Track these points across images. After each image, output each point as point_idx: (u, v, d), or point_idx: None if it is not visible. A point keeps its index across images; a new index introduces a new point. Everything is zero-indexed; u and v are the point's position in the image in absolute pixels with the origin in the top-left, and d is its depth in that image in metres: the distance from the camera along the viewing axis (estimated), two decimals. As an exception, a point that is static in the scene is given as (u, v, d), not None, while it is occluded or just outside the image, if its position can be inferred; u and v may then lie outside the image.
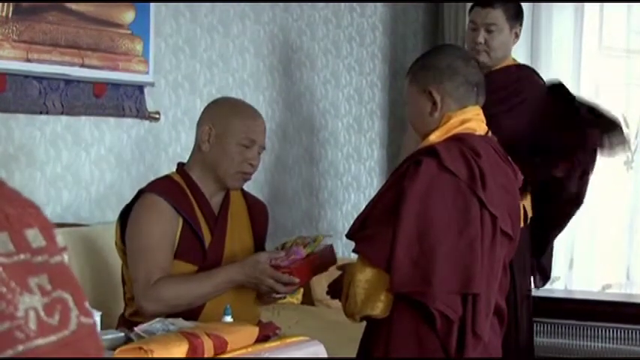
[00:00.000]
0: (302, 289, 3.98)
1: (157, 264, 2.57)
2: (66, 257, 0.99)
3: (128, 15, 3.65)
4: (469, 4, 3.67)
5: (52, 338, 0.92)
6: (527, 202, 3.44)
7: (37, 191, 3.36)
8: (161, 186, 2.69)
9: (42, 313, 0.92)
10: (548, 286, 3.81)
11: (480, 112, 2.53)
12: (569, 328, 4.26)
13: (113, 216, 3.05)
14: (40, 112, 3.37)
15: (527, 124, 3.45)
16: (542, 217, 3.52)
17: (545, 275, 3.69)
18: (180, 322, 2.39)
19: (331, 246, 2.73)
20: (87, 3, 3.47)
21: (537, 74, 3.70)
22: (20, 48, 3.25)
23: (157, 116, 3.84)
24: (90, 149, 3.59)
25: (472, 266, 2.34)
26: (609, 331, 4.20)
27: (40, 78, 3.34)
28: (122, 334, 2.36)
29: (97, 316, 2.29)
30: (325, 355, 2.47)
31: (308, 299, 4.19)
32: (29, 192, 3.14)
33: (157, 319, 2.39)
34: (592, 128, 3.46)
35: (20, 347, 0.88)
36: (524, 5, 3.78)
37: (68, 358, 0.93)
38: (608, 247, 5.18)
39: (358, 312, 2.41)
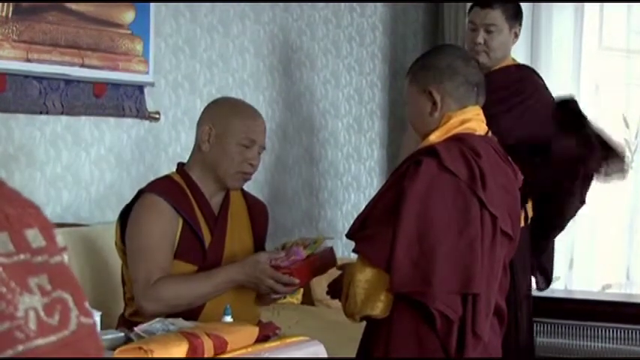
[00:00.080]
0: (302, 290, 3.99)
1: (157, 264, 2.57)
2: (66, 257, 0.99)
3: (128, 15, 3.65)
4: (469, 4, 3.67)
5: (52, 338, 0.92)
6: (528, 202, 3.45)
7: (37, 191, 3.36)
8: (161, 186, 2.69)
9: (42, 313, 0.92)
10: (550, 286, 3.81)
11: (480, 112, 2.53)
12: (569, 328, 4.26)
13: (113, 216, 3.05)
14: (40, 112, 3.37)
15: (527, 123, 3.45)
16: (542, 216, 3.52)
17: (547, 277, 3.69)
18: (180, 322, 2.39)
19: (331, 248, 2.73)
20: (87, 3, 3.47)
21: (537, 74, 3.70)
22: (20, 48, 3.25)
23: (157, 116, 3.84)
24: (90, 149, 3.59)
25: (472, 266, 2.34)
26: (609, 331, 4.20)
27: (40, 78, 3.34)
28: (122, 334, 2.36)
29: (97, 316, 2.29)
30: (325, 355, 2.47)
31: (308, 299, 4.19)
32: (29, 192, 3.14)
33: (157, 319, 2.39)
34: (594, 152, 3.47)
35: (20, 347, 0.88)
36: (524, 5, 3.78)
37: (68, 358, 0.93)
38: (608, 247, 5.19)
39: (358, 312, 2.41)
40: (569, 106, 3.56)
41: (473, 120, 2.50)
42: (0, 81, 3.20)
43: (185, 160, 2.80)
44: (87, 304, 0.98)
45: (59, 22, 3.37)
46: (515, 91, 3.52)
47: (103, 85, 3.58)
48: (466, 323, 2.36)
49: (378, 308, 2.37)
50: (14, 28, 3.22)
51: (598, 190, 3.71)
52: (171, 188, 2.68)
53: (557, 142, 3.40)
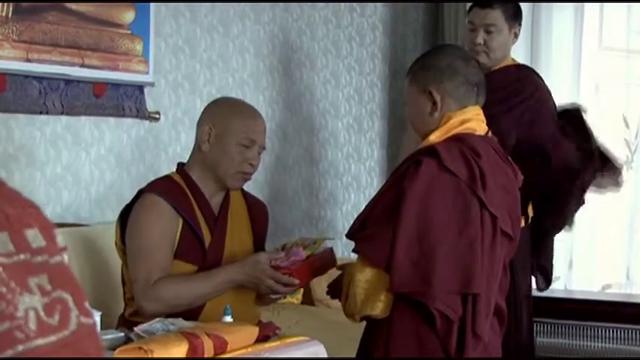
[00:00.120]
0: (302, 290, 3.98)
1: (157, 264, 2.57)
2: (66, 257, 0.99)
3: (128, 15, 3.65)
4: (469, 4, 3.67)
5: (52, 338, 0.92)
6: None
7: (37, 191, 3.36)
8: (161, 186, 2.69)
9: (42, 313, 0.92)
10: (549, 287, 3.81)
11: (480, 112, 2.53)
12: (569, 328, 4.26)
13: (113, 216, 3.05)
14: (40, 112, 3.37)
15: (528, 124, 3.45)
16: (542, 216, 3.52)
17: (546, 277, 3.69)
18: (180, 322, 2.39)
19: (331, 249, 2.73)
20: (87, 3, 3.47)
21: (537, 74, 3.69)
22: (20, 48, 3.25)
23: (157, 116, 3.84)
24: (90, 149, 3.59)
25: (472, 266, 2.34)
26: (609, 331, 4.20)
27: (40, 78, 3.34)
28: (122, 334, 2.36)
29: (97, 316, 2.29)
30: (325, 355, 2.47)
31: (308, 299, 4.19)
32: (29, 192, 3.14)
33: (157, 319, 2.39)
34: (593, 165, 3.48)
35: (20, 347, 0.88)
36: (524, 5, 3.78)
37: (68, 358, 0.93)
38: (608, 247, 5.18)
39: (358, 312, 2.41)
40: (572, 115, 3.55)
41: (473, 120, 2.49)
42: (0, 81, 3.20)
43: (185, 160, 2.80)
44: (87, 304, 0.98)
45: (59, 22, 3.37)
46: (514, 90, 3.52)
47: (103, 85, 3.58)
48: (466, 323, 2.36)
49: (378, 308, 2.37)
50: (14, 28, 3.22)
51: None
52: (171, 188, 2.68)
53: (557, 152, 3.40)
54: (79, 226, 3.32)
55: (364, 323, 2.52)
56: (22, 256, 0.93)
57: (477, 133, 2.49)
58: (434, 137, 2.46)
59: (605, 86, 5.18)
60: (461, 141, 2.43)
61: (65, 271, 0.98)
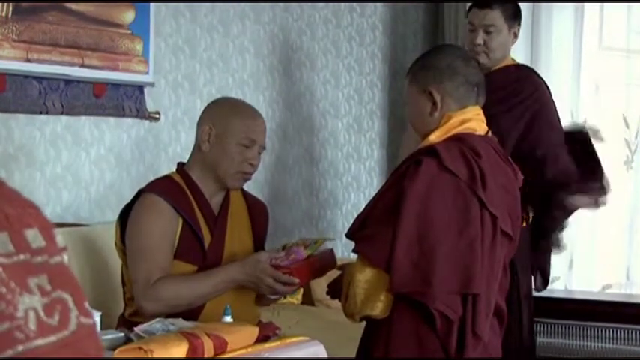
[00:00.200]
0: (302, 290, 3.99)
1: (157, 264, 2.57)
2: (66, 257, 0.99)
3: (128, 15, 3.65)
4: (469, 5, 3.67)
5: (52, 338, 0.92)
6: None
7: (37, 191, 3.36)
8: (161, 186, 2.69)
9: (42, 314, 0.92)
10: (547, 285, 3.81)
11: (480, 112, 2.53)
12: (569, 328, 4.26)
13: (113, 216, 3.05)
14: (40, 112, 3.37)
15: (527, 125, 3.45)
16: (540, 216, 3.52)
17: (544, 277, 3.69)
18: (180, 322, 2.39)
19: (332, 250, 2.73)
20: (87, 3, 3.47)
21: (536, 74, 3.70)
22: (20, 48, 3.25)
23: (157, 116, 3.84)
24: (90, 149, 3.59)
25: (472, 266, 2.34)
26: (609, 331, 4.20)
27: (40, 78, 3.34)
28: (122, 334, 2.36)
29: (97, 316, 2.29)
30: (325, 355, 2.47)
31: (308, 299, 4.19)
32: (29, 192, 3.15)
33: (157, 319, 2.39)
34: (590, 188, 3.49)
35: (20, 347, 0.88)
36: (524, 5, 3.78)
37: (68, 358, 0.93)
38: (608, 247, 5.18)
39: (358, 312, 2.41)
40: (577, 138, 3.55)
41: (473, 120, 2.49)
42: (0, 81, 3.20)
43: (185, 160, 2.80)
44: (87, 304, 0.98)
45: (59, 22, 3.37)
46: (514, 90, 3.52)
47: (103, 85, 3.58)
48: (466, 323, 2.36)
49: (378, 308, 2.37)
50: (14, 28, 3.22)
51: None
52: (171, 188, 2.68)
53: (553, 164, 3.39)
54: (79, 226, 3.32)
55: (364, 323, 2.52)
56: (22, 256, 0.93)
57: (477, 133, 2.49)
58: (434, 137, 2.46)
59: (605, 86, 5.18)
60: (461, 141, 2.43)
61: (65, 271, 0.98)
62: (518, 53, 4.49)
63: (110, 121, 3.66)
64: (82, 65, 3.47)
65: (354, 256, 2.48)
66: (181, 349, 2.12)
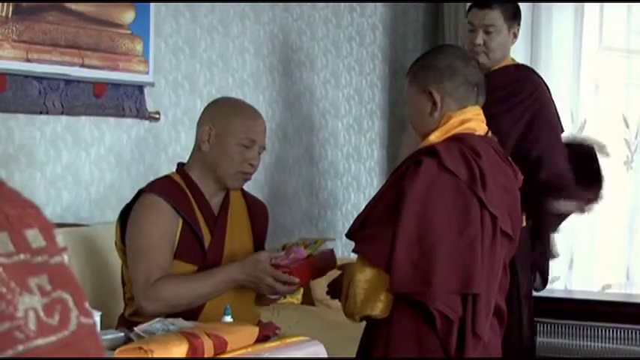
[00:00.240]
0: (302, 290, 3.98)
1: (157, 264, 2.57)
2: (66, 257, 0.99)
3: (128, 15, 3.65)
4: (469, 4, 3.67)
5: (52, 338, 0.92)
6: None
7: (37, 191, 3.36)
8: (161, 186, 2.69)
9: (42, 314, 0.92)
10: (548, 286, 3.81)
11: (480, 112, 2.53)
12: (569, 328, 4.26)
13: (113, 216, 3.05)
14: (40, 112, 3.37)
15: (526, 123, 3.45)
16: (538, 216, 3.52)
17: (543, 277, 3.69)
18: (180, 322, 2.39)
19: (332, 250, 2.73)
20: (87, 3, 3.47)
21: (536, 74, 3.70)
22: (20, 48, 3.25)
23: (157, 116, 3.84)
24: (90, 149, 3.59)
25: (472, 266, 2.34)
26: (609, 331, 4.20)
27: (40, 78, 3.34)
28: (122, 334, 2.36)
29: (97, 316, 2.29)
30: (325, 355, 2.47)
31: (308, 299, 4.19)
32: (29, 192, 3.15)
33: (157, 319, 2.39)
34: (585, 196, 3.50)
35: (20, 347, 0.88)
36: (524, 5, 3.78)
37: (68, 358, 0.93)
38: (608, 247, 5.18)
39: (358, 312, 2.41)
40: (583, 153, 3.55)
41: (473, 120, 2.50)
42: (0, 81, 3.20)
43: (185, 160, 2.80)
44: (87, 305, 0.98)
45: (59, 22, 3.37)
46: (513, 90, 3.52)
47: (103, 85, 3.58)
48: (466, 323, 2.36)
49: (378, 308, 2.37)
50: (14, 28, 3.22)
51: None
52: (171, 188, 2.68)
53: (550, 167, 3.39)
54: (79, 226, 3.32)
55: (364, 323, 2.52)
56: (22, 257, 0.93)
57: (477, 133, 2.49)
58: (434, 137, 2.46)
59: (605, 86, 5.18)
60: (461, 141, 2.43)
61: (65, 272, 0.98)
62: (518, 53, 4.49)
63: (110, 121, 3.66)
64: (82, 65, 3.47)
65: (354, 256, 2.48)
66: (181, 349, 2.12)
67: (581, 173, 3.47)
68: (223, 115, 2.71)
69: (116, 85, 3.63)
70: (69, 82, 3.44)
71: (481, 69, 2.68)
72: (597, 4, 5.12)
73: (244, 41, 4.30)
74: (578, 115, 5.02)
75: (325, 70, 4.81)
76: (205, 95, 4.02)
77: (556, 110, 3.62)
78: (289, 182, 4.61)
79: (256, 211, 2.87)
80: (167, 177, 2.77)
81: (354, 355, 2.61)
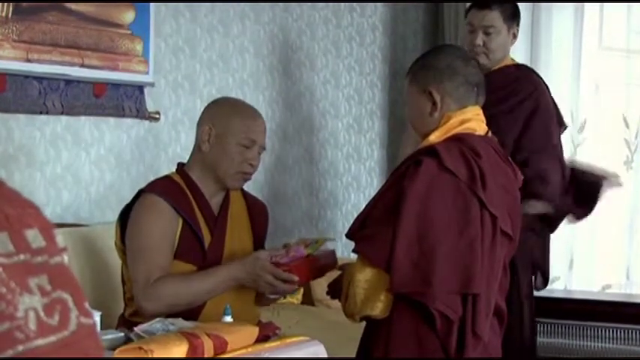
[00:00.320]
0: (302, 290, 3.99)
1: (157, 264, 2.57)
2: (66, 258, 0.99)
3: (128, 15, 3.65)
4: (469, 5, 3.67)
5: (52, 338, 0.92)
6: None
7: (37, 191, 3.36)
8: (161, 186, 2.69)
9: (42, 314, 0.92)
10: (548, 286, 3.81)
11: (480, 112, 2.53)
12: (569, 328, 4.26)
13: (113, 216, 3.05)
14: (40, 112, 3.37)
15: (525, 123, 3.45)
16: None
17: (544, 276, 3.69)
18: (180, 322, 2.39)
19: (333, 251, 2.73)
20: (87, 3, 3.47)
21: (536, 74, 3.70)
22: (20, 48, 3.25)
23: (157, 116, 3.84)
24: (90, 149, 3.59)
25: (472, 266, 2.34)
26: (609, 331, 4.20)
27: (40, 78, 3.34)
28: (122, 334, 2.36)
29: (97, 316, 2.29)
30: (325, 355, 2.47)
31: (308, 299, 4.19)
32: (29, 192, 3.15)
33: (157, 319, 2.39)
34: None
35: (20, 347, 0.88)
36: (524, 5, 3.78)
37: (68, 358, 0.93)
38: (608, 247, 5.18)
39: (358, 312, 2.41)
40: (589, 182, 3.56)
41: (473, 120, 2.50)
42: (0, 81, 3.20)
43: (185, 160, 2.80)
44: (87, 305, 0.98)
45: (59, 22, 3.37)
46: (513, 90, 3.52)
47: (103, 85, 3.58)
48: (466, 323, 2.36)
49: (378, 308, 2.37)
50: (14, 28, 3.22)
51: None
52: (171, 188, 2.68)
53: (534, 167, 3.40)
54: (79, 227, 3.32)
55: (364, 323, 2.52)
56: (22, 257, 0.93)
57: (477, 133, 2.49)
58: (434, 137, 2.46)
59: (605, 86, 5.17)
60: (461, 141, 2.43)
61: (65, 272, 0.98)
62: (518, 53, 4.49)
63: (110, 121, 3.66)
64: (82, 65, 3.47)
65: (354, 256, 2.48)
66: (181, 349, 2.12)
67: (580, 193, 3.48)
68: (223, 115, 2.71)
69: (116, 85, 3.63)
70: (69, 82, 3.44)
71: (481, 69, 2.68)
72: (597, 4, 5.12)
73: (244, 41, 4.30)
74: (578, 115, 5.02)
75: (325, 70, 4.81)
76: (205, 95, 4.02)
77: (557, 109, 3.62)
78: (289, 182, 4.61)
79: (256, 211, 2.87)
80: (167, 177, 2.77)
81: (354, 355, 2.61)
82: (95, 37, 3.51)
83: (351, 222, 2.54)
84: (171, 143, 3.93)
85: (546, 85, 3.62)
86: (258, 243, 2.84)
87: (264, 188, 4.33)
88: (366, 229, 2.42)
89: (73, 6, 3.42)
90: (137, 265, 2.58)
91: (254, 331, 2.34)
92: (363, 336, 2.54)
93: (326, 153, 4.85)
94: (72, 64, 3.43)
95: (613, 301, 4.65)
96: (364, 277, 2.37)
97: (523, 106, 3.49)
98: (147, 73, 3.74)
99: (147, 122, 3.81)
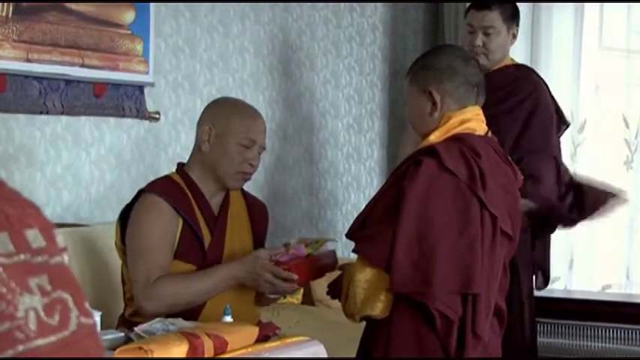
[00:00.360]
0: (302, 290, 3.98)
1: (157, 264, 2.57)
2: (66, 258, 0.99)
3: (128, 15, 3.65)
4: (468, 5, 3.66)
5: (52, 338, 0.92)
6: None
7: (37, 191, 3.36)
8: (161, 186, 2.69)
9: (42, 314, 0.92)
10: (548, 286, 3.82)
11: (480, 112, 2.53)
12: (569, 328, 4.26)
13: (113, 216, 3.06)
14: (40, 112, 3.37)
15: (524, 123, 3.45)
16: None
17: (545, 276, 3.69)
18: (180, 322, 2.39)
19: (334, 251, 2.73)
20: (87, 3, 3.47)
21: (536, 74, 3.70)
22: (20, 48, 3.25)
23: (157, 116, 3.84)
24: (90, 149, 3.59)
25: (472, 266, 2.34)
26: (609, 331, 4.20)
27: (40, 78, 3.34)
28: (122, 334, 2.36)
29: (97, 316, 2.29)
30: (325, 355, 2.47)
31: (308, 299, 4.19)
32: (29, 192, 3.15)
33: (157, 319, 2.39)
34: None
35: (20, 347, 0.88)
36: (524, 5, 3.78)
37: (68, 358, 0.93)
38: (608, 247, 5.18)
39: (358, 312, 2.41)
40: (592, 196, 3.56)
41: (473, 120, 2.50)
42: (0, 81, 3.20)
43: (185, 160, 2.80)
44: (87, 305, 0.98)
45: (59, 22, 3.37)
46: (513, 90, 3.52)
47: (103, 85, 3.58)
48: (466, 323, 2.36)
49: (378, 308, 2.37)
50: (14, 28, 3.22)
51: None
52: (171, 188, 2.68)
53: (527, 169, 3.40)
54: (79, 227, 3.32)
55: (364, 323, 2.52)
56: (22, 257, 0.93)
57: (477, 133, 2.49)
58: (434, 137, 2.46)
59: (605, 86, 5.17)
60: (461, 141, 2.43)
61: (65, 272, 0.98)
62: (518, 53, 4.49)
63: (110, 121, 3.66)
64: (82, 65, 3.47)
65: (354, 256, 2.48)
66: (181, 349, 2.12)
67: (580, 203, 3.49)
68: (223, 115, 2.71)
69: (116, 85, 3.63)
70: (69, 82, 3.44)
71: (481, 69, 2.68)
72: (597, 4, 5.12)
73: (244, 41, 4.30)
74: (578, 115, 5.01)
75: (325, 70, 4.81)
76: (205, 95, 4.02)
77: (557, 108, 3.62)
78: (289, 182, 4.61)
79: (256, 211, 2.87)
80: (167, 177, 2.77)
81: (354, 355, 2.61)
82: (95, 37, 3.51)
83: (351, 222, 2.54)
84: (171, 143, 3.93)
85: (546, 85, 3.62)
86: (258, 243, 2.84)
87: (264, 188, 4.33)
88: (366, 229, 2.42)
89: (73, 6, 3.42)
90: (137, 265, 2.58)
91: (254, 331, 2.34)
92: (363, 336, 2.54)
93: (326, 153, 4.85)
94: (72, 64, 3.43)
95: (613, 301, 4.65)
96: (364, 277, 2.37)
97: (523, 106, 3.49)
98: (147, 73, 3.74)
99: (147, 122, 3.81)
